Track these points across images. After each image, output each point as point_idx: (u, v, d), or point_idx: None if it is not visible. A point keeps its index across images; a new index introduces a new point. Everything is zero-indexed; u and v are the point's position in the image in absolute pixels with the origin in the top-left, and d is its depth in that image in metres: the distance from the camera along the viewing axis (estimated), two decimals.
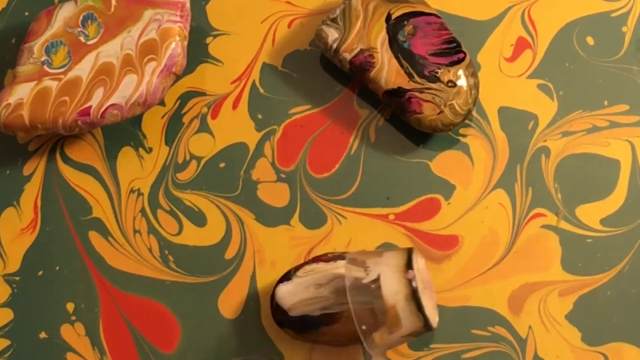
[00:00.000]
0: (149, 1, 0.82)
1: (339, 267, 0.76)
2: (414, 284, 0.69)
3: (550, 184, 0.79)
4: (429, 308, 0.70)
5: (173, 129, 0.85)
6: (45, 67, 0.81)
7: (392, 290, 0.68)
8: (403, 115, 0.80)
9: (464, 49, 0.80)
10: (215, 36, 0.87)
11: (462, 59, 0.79)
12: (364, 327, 0.68)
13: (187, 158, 0.84)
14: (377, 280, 0.69)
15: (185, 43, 0.81)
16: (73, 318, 0.81)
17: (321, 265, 0.76)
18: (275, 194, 0.82)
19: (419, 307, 0.68)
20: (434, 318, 0.70)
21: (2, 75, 0.88)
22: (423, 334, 0.70)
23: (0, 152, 0.86)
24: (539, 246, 0.78)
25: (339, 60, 0.81)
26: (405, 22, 0.80)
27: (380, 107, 0.83)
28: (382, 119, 0.83)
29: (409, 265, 0.70)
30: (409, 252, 0.71)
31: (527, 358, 0.76)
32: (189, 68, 0.85)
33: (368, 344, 0.68)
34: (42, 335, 0.81)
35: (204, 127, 0.84)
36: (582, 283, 0.77)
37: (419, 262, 0.71)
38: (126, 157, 0.84)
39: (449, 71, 0.78)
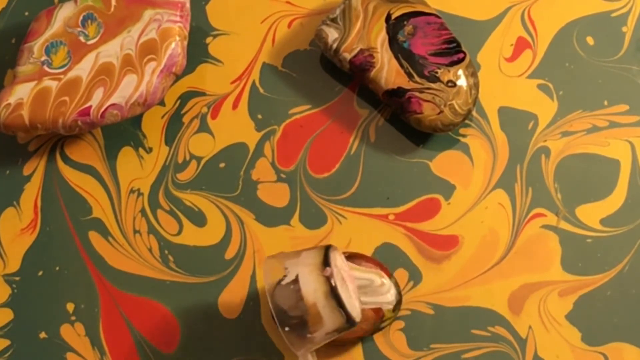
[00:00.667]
0: (149, 1, 0.82)
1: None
2: (332, 281, 0.69)
3: (550, 184, 0.80)
4: (351, 303, 0.70)
5: (173, 129, 0.85)
6: (45, 67, 0.81)
7: (311, 288, 0.69)
8: (403, 115, 0.80)
9: (463, 49, 0.80)
10: (215, 36, 0.87)
11: (462, 59, 0.79)
12: (287, 329, 0.68)
13: (187, 158, 0.84)
14: (296, 280, 0.69)
15: (185, 43, 0.81)
16: (73, 318, 0.81)
17: None
18: (275, 194, 0.82)
19: (340, 304, 0.69)
20: (356, 313, 0.70)
21: (2, 75, 0.88)
22: (347, 329, 0.71)
23: (0, 152, 0.86)
24: (539, 246, 0.78)
25: (339, 60, 0.81)
26: (405, 22, 0.80)
27: (380, 107, 0.83)
28: (382, 119, 0.83)
29: (325, 262, 0.70)
30: (326, 250, 0.71)
31: (527, 358, 0.76)
32: (189, 68, 0.85)
33: (292, 345, 0.69)
34: (42, 335, 0.81)
35: (204, 127, 0.84)
36: (582, 283, 0.77)
37: (337, 258, 0.71)
38: (126, 157, 0.84)
39: (449, 71, 0.78)
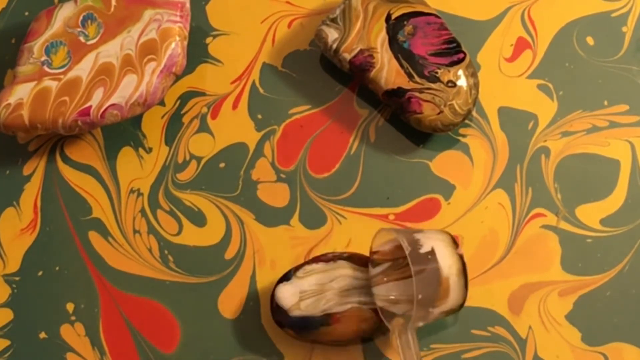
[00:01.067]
0: (149, 1, 0.82)
1: (339, 267, 0.76)
2: (464, 259, 0.70)
3: (550, 184, 0.80)
4: None
5: (173, 129, 0.85)
6: (45, 67, 0.81)
7: (447, 263, 0.70)
8: (403, 115, 0.80)
9: (463, 49, 0.80)
10: (215, 36, 0.87)
11: (462, 59, 0.79)
12: (420, 296, 0.68)
13: (187, 158, 0.84)
14: (432, 252, 0.69)
15: (185, 43, 0.81)
16: (73, 318, 0.81)
17: (321, 265, 0.76)
18: (275, 194, 0.82)
19: (466, 284, 0.70)
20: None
21: (2, 75, 0.88)
22: (454, 312, 0.72)
23: (0, 152, 0.86)
24: (539, 246, 0.78)
25: (339, 60, 0.81)
26: (405, 22, 0.80)
27: (380, 107, 0.83)
28: (382, 119, 0.83)
29: (454, 242, 0.72)
30: (448, 232, 0.73)
31: (527, 358, 0.76)
32: (189, 68, 0.85)
33: (415, 316, 0.68)
34: (42, 335, 0.81)
35: (204, 127, 0.84)
36: (582, 283, 0.77)
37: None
38: (126, 157, 0.84)
39: (448, 71, 0.78)
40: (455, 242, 0.71)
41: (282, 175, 0.82)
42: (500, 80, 0.82)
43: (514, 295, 0.77)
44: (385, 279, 0.74)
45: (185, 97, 0.85)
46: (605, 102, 0.81)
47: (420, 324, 0.70)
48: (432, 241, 0.70)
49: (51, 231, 0.83)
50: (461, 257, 0.71)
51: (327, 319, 0.74)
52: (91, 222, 0.83)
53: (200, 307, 0.80)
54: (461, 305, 0.72)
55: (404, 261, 0.73)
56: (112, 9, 0.82)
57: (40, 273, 0.82)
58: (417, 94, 0.78)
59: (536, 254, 0.78)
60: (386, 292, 0.73)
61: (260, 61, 0.85)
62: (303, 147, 0.83)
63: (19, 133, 0.82)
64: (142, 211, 0.83)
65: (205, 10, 0.87)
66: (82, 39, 0.82)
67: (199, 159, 0.83)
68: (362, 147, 0.82)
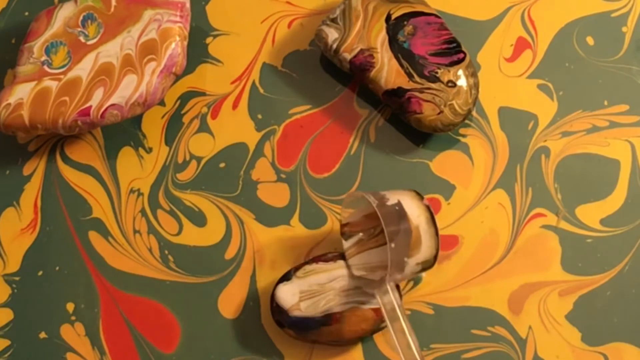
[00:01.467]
0: (149, 1, 0.82)
1: (339, 267, 0.76)
2: (431, 209, 0.72)
3: (550, 184, 0.80)
4: None
5: (173, 129, 0.85)
6: (45, 67, 0.81)
7: (414, 213, 0.71)
8: (403, 115, 0.80)
9: (464, 49, 0.80)
10: (215, 36, 0.87)
11: (462, 59, 0.79)
12: (392, 245, 0.69)
13: (187, 158, 0.84)
14: (399, 203, 0.71)
15: (185, 43, 0.81)
16: (73, 318, 0.81)
17: (321, 265, 0.76)
18: (275, 194, 0.82)
19: (437, 232, 0.71)
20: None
21: (2, 75, 0.88)
22: (429, 267, 0.72)
23: (0, 152, 0.86)
24: (539, 246, 0.78)
25: (339, 60, 0.81)
26: (405, 22, 0.80)
27: (380, 107, 0.83)
28: (382, 119, 0.83)
29: (420, 195, 0.73)
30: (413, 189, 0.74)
31: (527, 358, 0.76)
32: (189, 68, 0.85)
33: (391, 267, 0.69)
34: (42, 335, 0.81)
35: (204, 127, 0.84)
36: (582, 283, 0.77)
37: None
38: (126, 157, 0.84)
39: (449, 71, 0.78)
40: (420, 196, 0.73)
41: (282, 175, 0.82)
42: (500, 80, 0.82)
43: (514, 295, 0.77)
44: (359, 249, 0.75)
45: (185, 97, 0.85)
46: (605, 102, 0.81)
47: (398, 276, 0.71)
48: (397, 195, 0.72)
49: (51, 231, 0.83)
50: (428, 207, 0.72)
51: (327, 319, 0.74)
52: (91, 222, 0.83)
53: (200, 307, 0.80)
54: (435, 257, 0.72)
55: (375, 230, 0.74)
56: (112, 9, 0.82)
57: (40, 273, 0.82)
58: (417, 94, 0.78)
59: (536, 254, 0.78)
60: (362, 261, 0.74)
61: (260, 61, 0.85)
62: (303, 147, 0.83)
63: (19, 133, 0.82)
64: (142, 211, 0.83)
65: (205, 10, 0.87)
66: (82, 39, 0.82)
67: (199, 159, 0.83)
68: (362, 147, 0.82)
